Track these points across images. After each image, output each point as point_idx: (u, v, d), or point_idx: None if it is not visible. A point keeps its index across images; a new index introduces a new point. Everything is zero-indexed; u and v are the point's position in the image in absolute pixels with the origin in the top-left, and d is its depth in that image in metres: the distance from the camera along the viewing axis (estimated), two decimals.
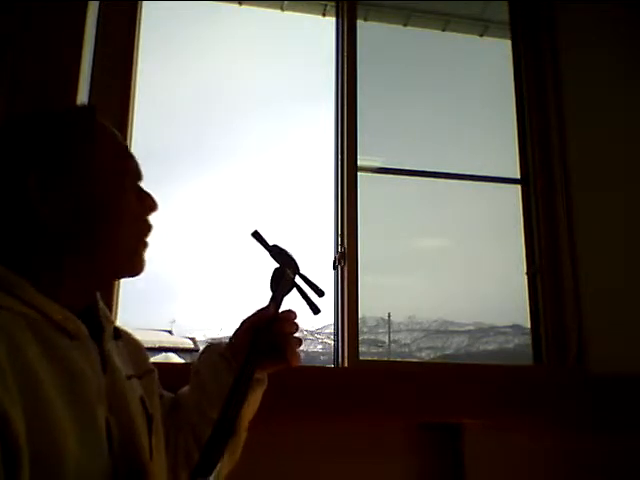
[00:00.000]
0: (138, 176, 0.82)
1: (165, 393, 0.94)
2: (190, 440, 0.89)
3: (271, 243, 0.89)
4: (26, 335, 0.64)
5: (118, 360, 0.77)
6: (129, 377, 0.78)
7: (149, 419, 0.78)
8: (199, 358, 0.95)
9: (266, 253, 0.89)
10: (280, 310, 0.86)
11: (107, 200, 0.75)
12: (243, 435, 0.93)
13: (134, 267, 0.79)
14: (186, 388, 0.96)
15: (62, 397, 0.63)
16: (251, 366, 0.76)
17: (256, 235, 0.88)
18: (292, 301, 0.89)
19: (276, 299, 0.85)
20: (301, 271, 0.90)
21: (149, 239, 0.81)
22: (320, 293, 0.91)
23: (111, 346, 0.77)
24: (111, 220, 0.75)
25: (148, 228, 0.81)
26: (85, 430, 0.65)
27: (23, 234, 0.71)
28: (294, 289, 0.89)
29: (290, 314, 0.87)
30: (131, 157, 0.82)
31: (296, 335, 0.87)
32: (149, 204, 0.80)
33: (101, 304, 0.80)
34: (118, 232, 0.75)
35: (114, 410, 0.70)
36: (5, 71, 1.55)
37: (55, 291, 0.70)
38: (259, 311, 0.89)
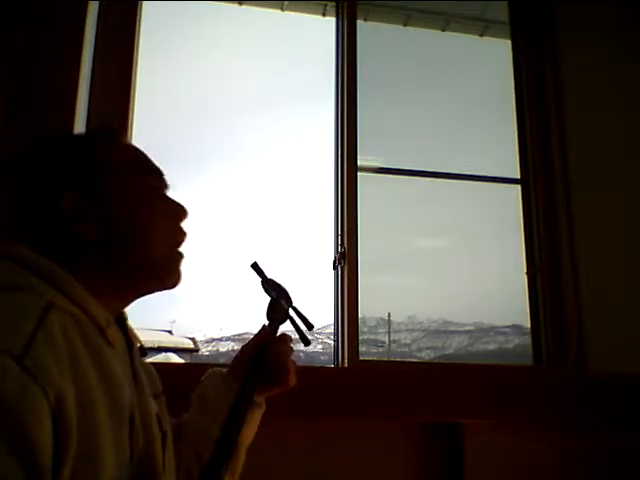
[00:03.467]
0: (165, 187, 0.84)
1: (170, 418, 0.95)
2: (193, 463, 0.91)
3: (268, 276, 0.97)
4: (75, 332, 0.66)
5: (143, 376, 0.80)
6: (148, 395, 0.81)
7: (163, 436, 0.80)
8: (202, 383, 0.99)
9: (261, 285, 0.96)
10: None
11: (137, 216, 0.77)
12: (242, 456, 0.96)
13: (170, 279, 0.81)
14: (188, 414, 0.98)
15: (103, 396, 0.65)
16: (251, 386, 0.80)
17: (255, 267, 0.96)
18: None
19: (271, 326, 0.93)
20: (294, 304, 0.98)
21: (184, 249, 0.83)
22: (310, 326, 0.98)
23: (138, 362, 0.80)
24: (142, 234, 0.77)
25: (182, 237, 0.83)
26: (117, 436, 0.67)
27: (63, 251, 0.74)
28: (287, 320, 0.96)
29: (285, 337, 0.95)
30: (156, 171, 0.84)
31: (291, 359, 0.94)
32: (179, 213, 0.83)
33: (129, 321, 0.83)
34: (150, 246, 0.78)
35: (138, 419, 0.72)
36: (5, 71, 1.55)
37: (97, 300, 0.73)
38: (257, 336, 0.96)
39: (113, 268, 0.76)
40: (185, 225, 0.84)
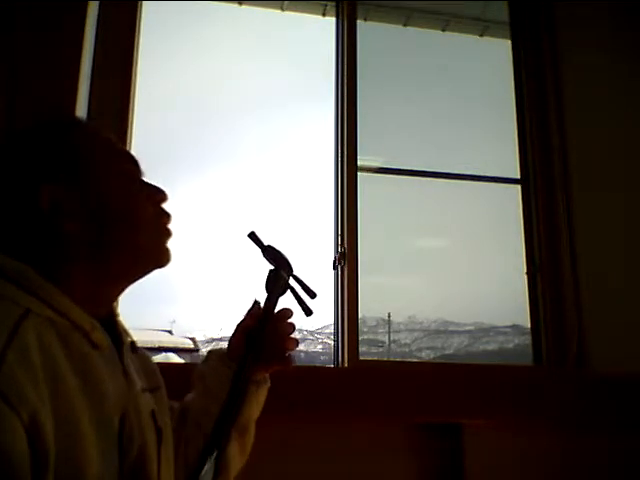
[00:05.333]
0: (141, 173, 0.83)
1: (174, 404, 0.95)
2: (202, 443, 0.89)
3: (266, 244, 0.91)
4: (53, 339, 0.65)
5: (134, 373, 0.79)
6: (143, 390, 0.79)
7: (158, 432, 0.79)
8: (203, 363, 0.97)
9: (261, 253, 0.90)
10: (275, 310, 0.87)
11: (117, 203, 0.76)
12: (252, 431, 0.95)
13: (160, 258, 0.80)
14: (191, 395, 0.97)
15: (86, 404, 0.64)
16: (246, 367, 0.77)
17: (252, 236, 0.90)
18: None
19: (271, 300, 0.86)
20: (295, 273, 0.92)
21: (170, 227, 0.82)
22: (312, 295, 0.93)
23: (129, 359, 0.79)
24: (125, 221, 0.76)
25: (166, 219, 0.82)
26: (103, 439, 0.66)
27: (45, 245, 0.72)
28: (288, 290, 0.90)
29: (286, 312, 0.89)
30: (131, 158, 0.83)
31: (293, 336, 0.89)
32: (159, 197, 0.82)
33: (120, 318, 0.81)
34: (137, 230, 0.77)
35: (128, 421, 0.71)
36: (5, 71, 1.55)
37: (83, 298, 0.71)
38: (250, 312, 0.91)
39: (102, 257, 0.74)
40: (167, 208, 0.83)
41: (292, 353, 0.90)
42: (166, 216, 0.82)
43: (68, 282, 0.71)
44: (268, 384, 0.96)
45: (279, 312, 0.88)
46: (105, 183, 0.76)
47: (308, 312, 0.91)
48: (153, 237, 0.79)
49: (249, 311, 0.92)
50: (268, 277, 0.87)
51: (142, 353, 0.87)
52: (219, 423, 0.70)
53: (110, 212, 0.75)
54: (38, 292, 0.67)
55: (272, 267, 0.89)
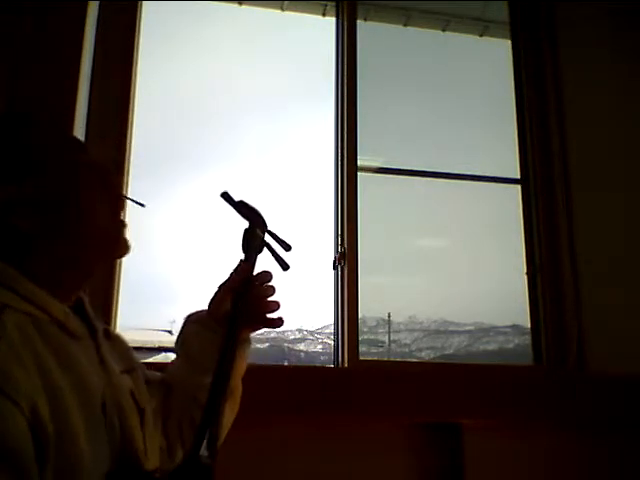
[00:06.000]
0: (89, 159, 0.82)
1: (151, 376, 0.94)
2: (194, 411, 0.90)
3: (238, 200, 0.88)
4: (34, 333, 0.65)
5: (110, 358, 0.79)
6: (121, 372, 0.80)
7: (140, 412, 0.79)
8: (181, 330, 0.96)
9: (235, 211, 0.88)
10: (254, 272, 0.86)
11: (68, 199, 0.76)
12: (239, 390, 0.96)
13: (116, 249, 0.81)
14: (174, 364, 0.97)
15: (73, 397, 0.65)
16: (236, 329, 0.76)
17: (225, 195, 0.88)
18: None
19: (249, 260, 0.85)
20: (269, 228, 0.90)
21: (123, 218, 0.82)
22: (287, 248, 0.91)
23: (104, 345, 0.79)
24: (76, 214, 0.76)
25: (119, 205, 0.82)
26: (92, 430, 0.66)
27: (7, 241, 0.72)
28: (264, 248, 0.88)
29: (265, 275, 0.88)
30: (80, 146, 0.83)
31: (272, 299, 0.88)
32: (110, 181, 0.82)
33: (88, 305, 0.81)
34: (89, 220, 0.77)
35: (110, 405, 0.71)
36: (5, 71, 1.55)
37: (48, 288, 0.72)
38: (233, 274, 0.89)
39: (54, 253, 0.74)
40: (119, 193, 0.83)
41: (278, 313, 0.89)
42: (118, 201, 0.82)
43: (34, 272, 0.71)
44: (250, 343, 0.96)
45: (258, 275, 0.87)
46: (55, 177, 0.76)
47: (285, 266, 0.89)
48: (105, 225, 0.79)
49: (233, 271, 0.90)
50: (244, 236, 0.86)
51: (116, 336, 0.88)
52: (213, 393, 0.69)
53: (57, 205, 0.75)
54: (13, 285, 0.68)
55: (247, 226, 0.87)
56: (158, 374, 0.96)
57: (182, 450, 0.90)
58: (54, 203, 0.75)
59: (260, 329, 0.92)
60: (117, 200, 0.83)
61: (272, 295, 0.88)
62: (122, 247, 0.81)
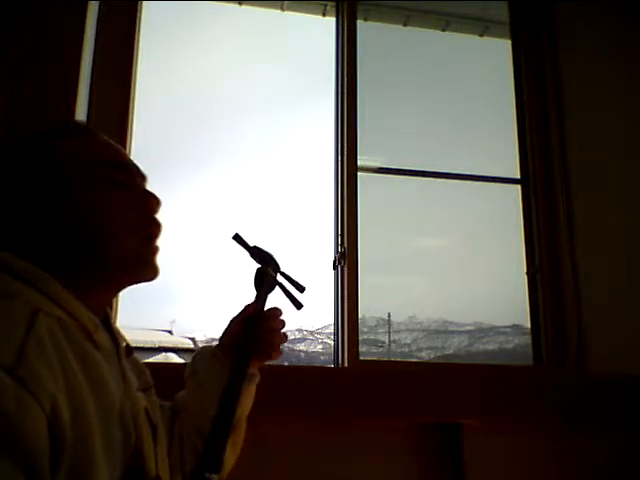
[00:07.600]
0: (132, 178, 0.81)
1: (164, 403, 0.96)
2: (197, 440, 0.91)
3: (252, 244, 0.93)
4: (62, 337, 0.66)
5: (130, 374, 0.80)
6: (137, 390, 0.81)
7: (154, 429, 0.80)
8: (193, 360, 0.98)
9: (248, 254, 0.93)
10: (265, 308, 0.91)
11: (93, 215, 0.75)
12: (243, 427, 0.96)
13: (144, 273, 0.79)
14: (183, 392, 0.98)
15: (93, 402, 0.65)
16: (244, 361, 0.79)
17: (237, 238, 0.92)
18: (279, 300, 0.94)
19: (260, 297, 0.90)
20: (282, 269, 0.95)
21: (158, 242, 0.81)
22: (301, 289, 0.95)
23: (124, 361, 0.80)
24: (101, 233, 0.75)
25: (153, 229, 0.80)
26: (108, 439, 0.67)
27: (35, 258, 0.72)
28: (277, 287, 0.94)
29: (276, 311, 0.92)
30: (119, 163, 0.80)
31: (282, 331, 0.93)
32: (148, 204, 0.80)
33: (113, 321, 0.82)
34: (113, 243, 0.75)
35: (128, 416, 0.72)
36: (5, 71, 1.55)
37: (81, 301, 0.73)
38: (245, 309, 0.93)
39: (79, 271, 0.74)
40: (158, 216, 0.81)
41: (280, 346, 0.93)
42: (153, 225, 0.80)
43: (65, 287, 0.72)
44: (258, 378, 0.97)
45: (269, 311, 0.91)
46: (77, 195, 0.75)
47: (298, 305, 0.94)
48: (133, 249, 0.77)
49: (245, 308, 0.94)
50: (256, 276, 0.91)
51: (132, 355, 0.89)
52: (219, 420, 0.70)
53: (81, 225, 0.74)
54: (46, 290, 0.69)
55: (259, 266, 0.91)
56: (168, 402, 0.97)
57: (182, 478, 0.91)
58: (77, 225, 0.74)
59: (266, 361, 0.95)
60: (151, 224, 0.80)
61: (282, 329, 0.92)
62: (150, 271, 0.79)
